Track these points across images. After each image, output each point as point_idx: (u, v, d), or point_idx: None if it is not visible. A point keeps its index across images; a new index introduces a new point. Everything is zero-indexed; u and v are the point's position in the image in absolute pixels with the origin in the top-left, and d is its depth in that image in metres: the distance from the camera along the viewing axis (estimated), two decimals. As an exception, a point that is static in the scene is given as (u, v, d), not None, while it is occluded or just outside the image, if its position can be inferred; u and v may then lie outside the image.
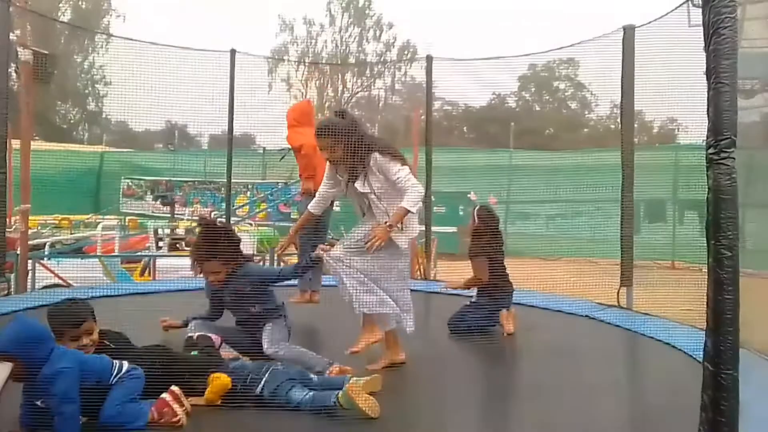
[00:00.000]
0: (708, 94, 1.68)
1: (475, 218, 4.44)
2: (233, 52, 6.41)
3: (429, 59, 6.56)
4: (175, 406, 2.44)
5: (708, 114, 1.69)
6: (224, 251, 3.34)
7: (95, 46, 28.15)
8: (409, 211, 3.17)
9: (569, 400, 2.96)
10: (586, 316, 4.97)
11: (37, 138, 23.60)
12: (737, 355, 1.62)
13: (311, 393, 2.63)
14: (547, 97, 27.45)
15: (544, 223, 14.50)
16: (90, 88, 30.58)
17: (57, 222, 12.13)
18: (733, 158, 1.62)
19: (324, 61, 30.15)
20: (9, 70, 5.44)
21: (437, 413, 2.79)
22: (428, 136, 6.63)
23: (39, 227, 10.79)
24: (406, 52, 29.40)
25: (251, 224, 12.66)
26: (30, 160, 5.82)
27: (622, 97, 5.28)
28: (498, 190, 14.40)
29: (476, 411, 2.84)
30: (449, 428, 2.61)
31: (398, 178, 3.16)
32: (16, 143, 5.67)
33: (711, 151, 1.65)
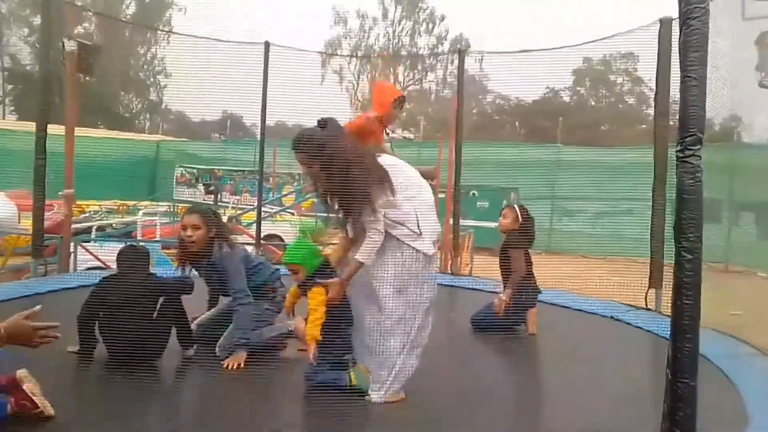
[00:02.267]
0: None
1: (519, 215, 4.42)
2: (267, 44, 6.52)
3: (461, 53, 6.49)
4: (37, 398, 2.27)
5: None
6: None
7: (157, 39, 29.11)
8: (362, 264, 2.78)
9: (578, 402, 2.92)
10: (611, 317, 4.85)
11: (101, 126, 24.80)
12: (695, 364, 1.54)
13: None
14: (603, 92, 26.61)
15: (590, 221, 14.10)
16: (152, 79, 31.71)
17: (116, 207, 12.61)
18: (699, 156, 1.53)
19: (376, 54, 30.16)
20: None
21: (453, 410, 2.76)
22: (458, 129, 6.56)
23: (91, 212, 11.27)
24: (458, 45, 29.02)
25: (293, 213, 12.87)
26: (74, 146, 6.07)
27: (656, 92, 5.08)
28: (544, 186, 14.12)
29: (490, 410, 2.79)
30: (462, 426, 2.59)
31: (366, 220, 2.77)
32: (59, 129, 5.94)
33: (677, 148, 1.57)
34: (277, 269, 3.67)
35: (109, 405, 2.64)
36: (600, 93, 27.22)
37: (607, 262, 9.49)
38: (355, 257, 2.78)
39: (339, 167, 2.74)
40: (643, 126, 23.35)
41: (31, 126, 5.77)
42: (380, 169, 2.82)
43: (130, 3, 31.27)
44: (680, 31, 1.56)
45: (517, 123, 27.28)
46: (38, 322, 2.12)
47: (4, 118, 30.94)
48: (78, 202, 11.49)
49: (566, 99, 25.33)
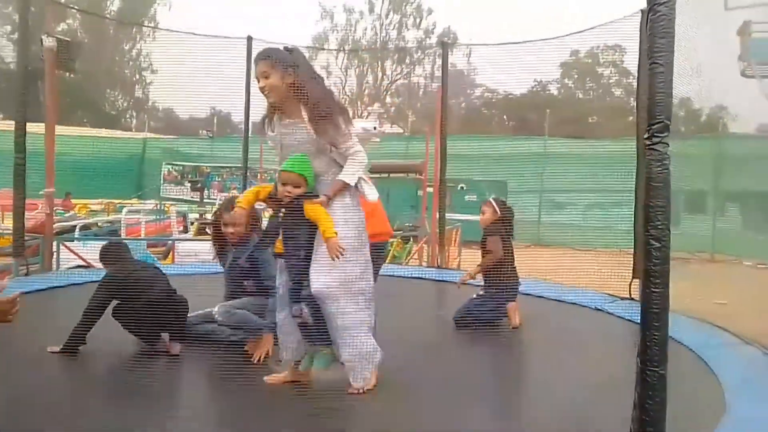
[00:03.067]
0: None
1: (496, 208, 4.46)
2: (249, 39, 6.47)
3: (444, 45, 6.48)
4: None
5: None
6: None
7: (143, 35, 28.87)
8: (347, 185, 2.72)
9: (559, 391, 2.93)
10: (596, 308, 4.86)
11: (86, 123, 24.59)
12: (665, 352, 1.54)
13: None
14: (591, 84, 26.68)
15: (578, 213, 14.16)
16: (138, 76, 31.43)
17: (104, 206, 12.52)
18: (666, 144, 1.53)
19: (363, 49, 30.11)
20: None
21: (438, 406, 2.75)
22: (442, 124, 6.55)
23: (76, 212, 11.18)
24: (445, 38, 28.99)
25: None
26: (54, 144, 6.00)
27: (638, 84, 5.09)
28: (531, 178, 14.16)
29: (473, 401, 2.78)
30: (444, 417, 2.58)
31: (346, 147, 2.73)
32: (38, 127, 5.87)
33: (645, 136, 1.56)
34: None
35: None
36: (587, 85, 27.31)
37: (594, 253, 9.54)
38: (339, 177, 2.70)
39: (309, 83, 2.72)
40: (630, 118, 23.39)
41: (12, 125, 5.69)
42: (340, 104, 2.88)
43: (114, -1, 30.98)
44: (647, 18, 1.55)
45: (505, 116, 27.33)
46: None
47: (-12, 117, 30.59)
48: (78, 201, 11.43)
49: (554, 92, 25.40)
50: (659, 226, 1.52)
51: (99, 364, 3.10)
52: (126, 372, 2.93)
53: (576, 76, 26.01)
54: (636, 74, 5.33)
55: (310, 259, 2.69)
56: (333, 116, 2.70)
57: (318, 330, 2.74)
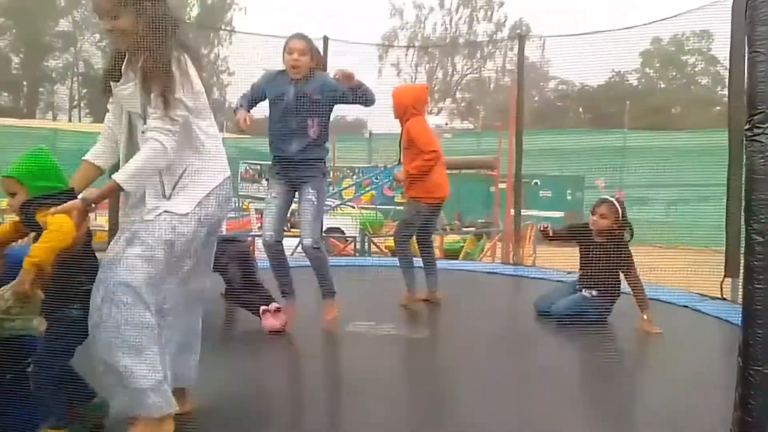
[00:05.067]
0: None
1: (619, 209, 3.91)
2: (326, 39, 6.60)
3: (520, 38, 6.37)
4: None
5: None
6: None
7: (220, 39, 29.96)
8: (120, 188, 1.97)
9: (649, 389, 2.87)
10: (685, 306, 4.67)
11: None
12: (768, 351, 1.47)
13: None
14: (674, 73, 25.44)
15: (662, 209, 13.55)
16: (215, 78, 32.68)
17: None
18: (769, 135, 1.46)
19: (432, 45, 29.99)
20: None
21: (525, 402, 2.76)
22: (518, 118, 6.45)
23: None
24: (517, 31, 28.46)
25: (354, 207, 13.01)
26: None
27: (730, 71, 4.82)
28: (611, 174, 13.68)
29: (568, 401, 2.76)
30: (538, 416, 2.59)
31: (149, 127, 2.01)
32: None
33: (746, 127, 1.50)
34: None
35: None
36: (670, 75, 26.05)
37: (680, 251, 9.13)
38: (114, 176, 2.00)
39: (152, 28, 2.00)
40: (718, 108, 22.21)
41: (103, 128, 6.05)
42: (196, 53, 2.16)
43: (193, 5, 32.37)
44: (746, 4, 1.49)
45: (581, 109, 26.50)
46: None
47: (79, 121, 32.78)
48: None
49: (634, 82, 24.40)
50: (762, 220, 1.45)
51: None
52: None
53: (658, 65, 24.87)
54: (727, 62, 5.04)
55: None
56: (160, 75, 1.98)
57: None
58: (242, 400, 2.51)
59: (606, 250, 3.86)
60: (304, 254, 3.53)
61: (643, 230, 12.24)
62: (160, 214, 2.03)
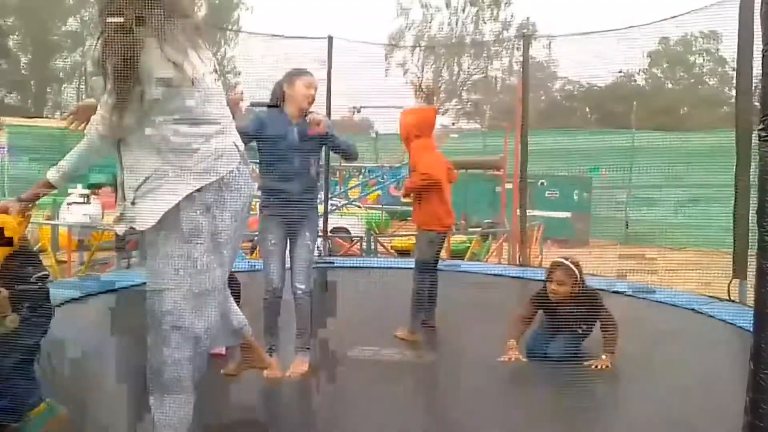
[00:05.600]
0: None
1: (574, 268, 3.53)
2: (330, 38, 6.59)
3: (525, 38, 6.34)
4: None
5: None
6: None
7: (227, 39, 30.03)
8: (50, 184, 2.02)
9: (657, 393, 2.85)
10: (692, 309, 4.64)
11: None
12: (781, 355, 1.44)
13: None
14: (682, 73, 25.30)
15: (669, 210, 13.47)
16: (222, 78, 32.75)
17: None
18: (783, 134, 1.43)
19: (439, 44, 29.97)
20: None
21: (531, 404, 2.73)
22: (524, 116, 6.42)
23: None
24: (524, 30, 28.37)
25: (360, 206, 13.00)
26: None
27: (738, 71, 4.78)
28: (618, 174, 13.61)
29: (576, 405, 2.73)
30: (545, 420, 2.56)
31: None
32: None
33: (759, 127, 1.47)
34: None
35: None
36: (678, 75, 25.90)
37: (687, 252, 9.08)
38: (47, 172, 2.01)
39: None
40: (725, 108, 22.07)
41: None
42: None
43: (201, 5, 32.38)
44: (762, 2, 1.46)
45: (587, 109, 26.39)
46: None
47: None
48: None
49: (641, 82, 24.29)
50: (776, 222, 1.42)
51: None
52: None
53: (665, 65, 24.74)
54: (734, 63, 5.00)
55: None
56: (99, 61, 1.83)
57: None
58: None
59: (572, 314, 3.47)
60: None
61: (650, 231, 12.22)
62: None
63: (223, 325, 2.16)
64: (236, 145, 2.02)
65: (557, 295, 3.49)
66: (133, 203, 1.88)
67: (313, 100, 3.33)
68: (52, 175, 1.95)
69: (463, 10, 31.01)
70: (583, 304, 3.44)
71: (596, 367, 3.28)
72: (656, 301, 4.85)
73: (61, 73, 34.89)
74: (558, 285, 3.48)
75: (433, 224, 3.99)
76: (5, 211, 1.95)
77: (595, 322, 3.47)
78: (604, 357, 3.32)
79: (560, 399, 2.76)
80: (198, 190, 1.87)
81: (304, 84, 3.29)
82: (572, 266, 3.50)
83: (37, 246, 8.07)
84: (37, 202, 2.07)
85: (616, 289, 4.81)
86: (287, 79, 3.31)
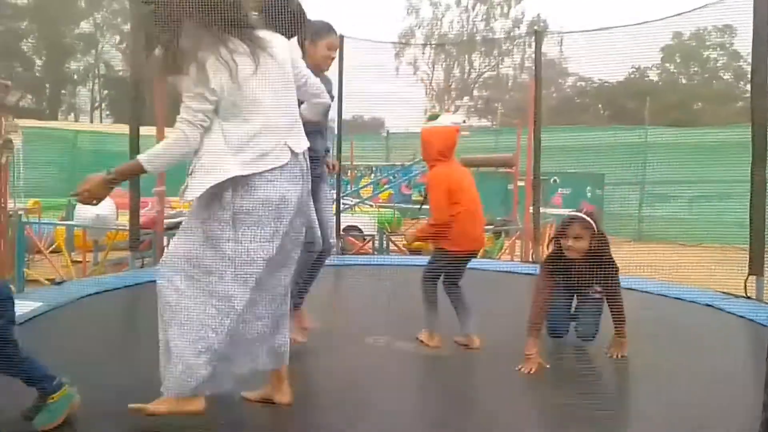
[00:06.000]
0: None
1: (593, 224, 3.25)
2: (341, 37, 6.59)
3: (538, 34, 6.31)
4: None
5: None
6: None
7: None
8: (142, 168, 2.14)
9: (672, 389, 2.81)
10: (708, 305, 4.59)
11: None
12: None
13: None
14: (696, 68, 25.06)
15: (684, 206, 13.36)
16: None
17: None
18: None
19: (449, 42, 29.90)
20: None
21: (547, 398, 2.73)
22: (537, 113, 6.38)
23: (183, 209, 11.84)
24: (535, 27, 28.22)
25: (372, 205, 13.02)
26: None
27: (753, 65, 4.72)
28: (632, 171, 13.52)
29: (589, 400, 2.72)
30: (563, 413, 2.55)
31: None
32: (151, 131, 6.29)
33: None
34: None
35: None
36: (692, 70, 25.65)
37: (702, 249, 9.01)
38: (139, 156, 2.14)
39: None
40: (740, 103, 21.84)
41: (124, 129, 6.14)
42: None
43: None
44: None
45: (600, 105, 26.22)
46: None
47: (101, 122, 33.23)
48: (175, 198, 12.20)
49: (654, 78, 24.09)
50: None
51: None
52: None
53: (678, 60, 24.51)
54: (749, 57, 4.93)
55: None
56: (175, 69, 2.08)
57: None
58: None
59: (592, 272, 3.23)
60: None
61: (665, 227, 12.15)
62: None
63: (270, 332, 2.31)
64: (290, 147, 2.17)
65: (575, 251, 3.17)
66: (190, 174, 2.11)
67: (332, 62, 3.25)
68: (143, 158, 2.10)
69: (473, 8, 30.94)
70: (602, 258, 3.19)
71: (614, 356, 3.23)
72: (673, 298, 4.81)
73: (75, 75, 35.24)
74: (575, 240, 3.16)
75: (461, 243, 3.50)
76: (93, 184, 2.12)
77: (606, 287, 3.26)
78: (620, 339, 3.25)
79: (576, 393, 2.74)
80: (238, 179, 2.06)
81: (327, 46, 3.20)
82: (588, 218, 3.21)
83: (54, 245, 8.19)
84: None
85: (630, 286, 4.77)
86: (311, 36, 3.09)
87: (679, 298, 4.78)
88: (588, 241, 3.17)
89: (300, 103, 2.44)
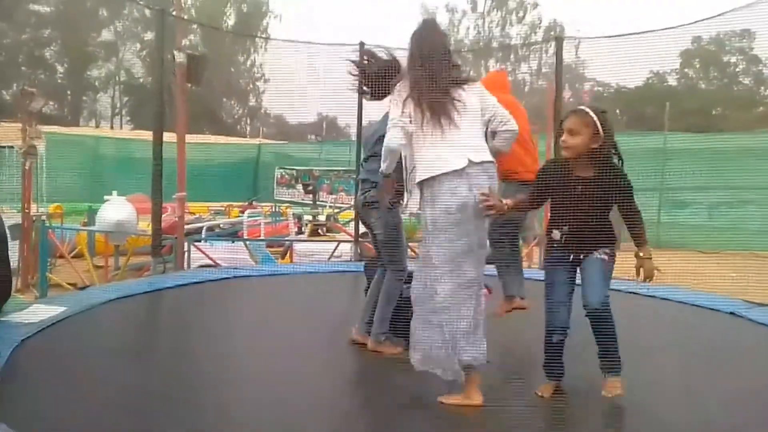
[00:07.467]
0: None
1: (599, 126, 2.57)
2: (362, 44, 6.62)
3: (558, 40, 6.29)
4: None
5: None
6: None
7: (256, 47, 30.44)
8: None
9: (695, 397, 2.81)
10: (731, 313, 4.53)
11: (206, 132, 26.37)
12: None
13: None
14: (715, 73, 24.76)
15: (704, 213, 13.19)
16: (252, 85, 33.17)
17: (224, 208, 13.24)
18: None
19: (466, 48, 29.84)
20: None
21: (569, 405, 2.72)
22: (556, 119, 6.35)
23: (201, 214, 11.94)
24: (552, 32, 28.12)
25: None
26: (185, 152, 6.48)
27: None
28: (650, 177, 13.38)
29: (610, 407, 2.70)
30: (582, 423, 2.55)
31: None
32: (173, 137, 6.36)
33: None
34: None
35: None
36: (711, 75, 25.37)
37: (723, 256, 8.89)
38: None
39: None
40: (761, 108, 21.56)
41: (144, 135, 6.21)
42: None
43: (230, 14, 32.93)
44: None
45: (618, 110, 25.99)
46: None
47: (121, 128, 33.67)
48: (198, 204, 12.29)
49: (673, 83, 23.85)
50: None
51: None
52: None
53: (698, 66, 24.25)
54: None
55: None
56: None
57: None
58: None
59: (588, 183, 2.63)
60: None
61: (685, 234, 11.99)
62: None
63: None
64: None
65: (569, 150, 2.58)
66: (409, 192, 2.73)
67: None
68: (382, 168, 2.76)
69: (489, 14, 30.90)
70: (602, 169, 2.58)
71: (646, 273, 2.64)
72: (694, 305, 4.75)
73: (96, 82, 35.73)
74: (570, 134, 2.57)
75: (518, 171, 3.36)
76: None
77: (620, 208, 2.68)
78: (642, 254, 2.63)
79: (596, 404, 2.72)
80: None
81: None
82: (591, 112, 2.55)
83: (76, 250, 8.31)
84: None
85: (650, 293, 4.73)
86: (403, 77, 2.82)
87: (701, 306, 4.72)
88: (585, 138, 2.55)
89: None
